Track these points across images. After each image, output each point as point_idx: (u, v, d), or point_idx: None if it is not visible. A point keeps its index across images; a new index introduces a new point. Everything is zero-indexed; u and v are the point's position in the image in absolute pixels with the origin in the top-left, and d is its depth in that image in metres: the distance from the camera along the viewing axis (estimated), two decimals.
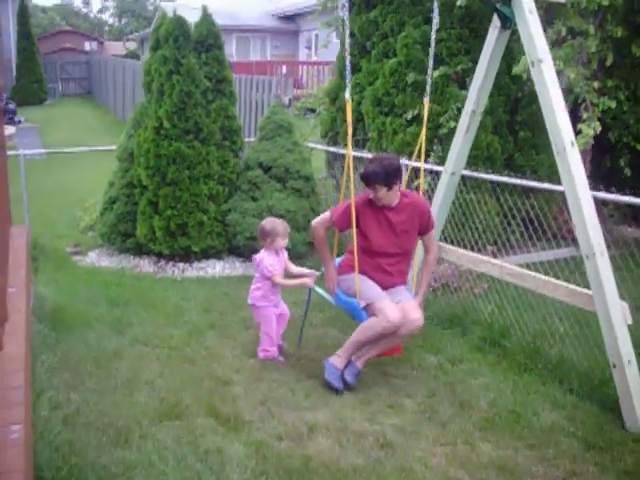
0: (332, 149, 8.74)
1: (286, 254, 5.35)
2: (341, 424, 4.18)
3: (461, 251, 5.70)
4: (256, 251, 7.70)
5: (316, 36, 30.75)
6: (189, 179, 7.65)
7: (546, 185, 5.59)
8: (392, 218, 4.80)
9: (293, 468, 3.68)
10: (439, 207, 5.67)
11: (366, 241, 4.81)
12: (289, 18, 35.28)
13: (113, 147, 8.46)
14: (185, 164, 7.63)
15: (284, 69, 24.80)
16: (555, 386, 4.78)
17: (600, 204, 8.07)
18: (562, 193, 4.58)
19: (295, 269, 5.35)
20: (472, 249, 6.63)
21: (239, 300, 6.57)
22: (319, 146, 8.99)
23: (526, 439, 4.08)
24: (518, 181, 5.75)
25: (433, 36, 5.25)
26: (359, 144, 8.77)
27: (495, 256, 7.78)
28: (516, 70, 6.86)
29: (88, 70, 35.66)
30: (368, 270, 4.81)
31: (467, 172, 5.89)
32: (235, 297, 6.69)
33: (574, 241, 7.32)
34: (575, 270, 6.02)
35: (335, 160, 8.97)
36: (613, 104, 7.10)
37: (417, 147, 5.30)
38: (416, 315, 4.64)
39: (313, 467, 3.71)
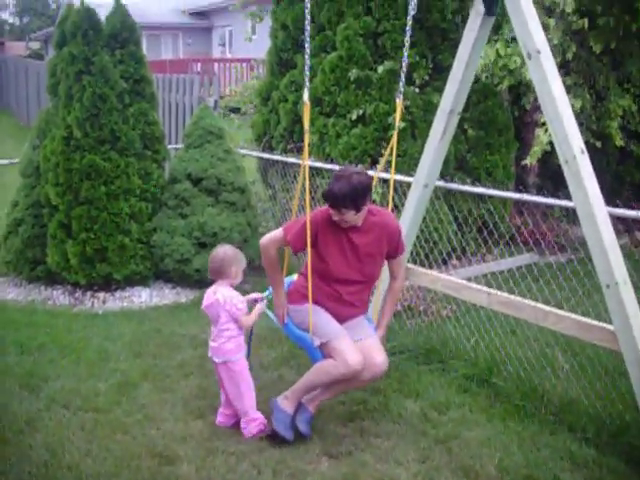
0: (270, 156, 7.85)
1: None
2: None
3: (434, 274, 4.92)
4: (188, 277, 6.88)
5: (230, 32, 29.74)
6: (106, 196, 6.60)
7: (536, 198, 4.84)
8: (355, 240, 4.04)
9: None
10: (409, 225, 4.86)
11: (323, 264, 4.06)
12: (202, 14, 34.12)
13: (15, 160, 7.33)
14: (101, 179, 6.58)
15: (199, 67, 23.72)
16: (566, 436, 4.05)
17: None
18: None
19: None
20: (424, 263, 5.91)
21: (174, 338, 5.65)
22: (254, 153, 8.08)
23: None
24: (507, 194, 5.04)
25: (409, 22, 4.47)
26: (297, 150, 7.91)
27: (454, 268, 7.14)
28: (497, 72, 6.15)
29: None
30: (323, 299, 4.10)
31: (441, 183, 5.10)
32: (169, 334, 5.73)
33: (536, 245, 6.87)
34: (539, 278, 5.45)
35: (271, 166, 8.08)
36: (579, 103, 6.48)
37: (385, 155, 4.53)
38: (380, 358, 3.99)
39: None
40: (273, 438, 3.98)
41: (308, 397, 4.11)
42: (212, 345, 4.18)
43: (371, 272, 4.16)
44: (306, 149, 4.04)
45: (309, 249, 3.98)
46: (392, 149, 4.48)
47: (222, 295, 4.07)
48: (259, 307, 4.23)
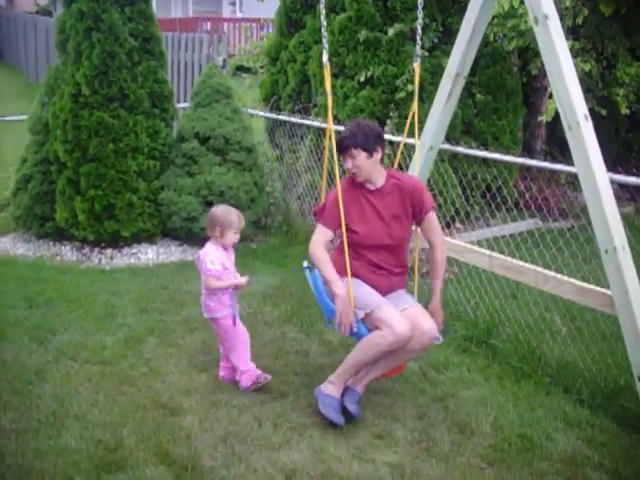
0: (278, 116, 7.84)
1: (233, 252, 4.33)
2: (324, 466, 3.41)
3: None
4: (195, 235, 6.95)
5: None
6: (114, 154, 6.64)
7: (539, 163, 4.86)
8: (379, 204, 3.91)
9: None
10: None
11: (352, 234, 3.88)
12: None
13: (24, 117, 7.36)
14: (109, 136, 6.61)
15: (209, 26, 23.49)
16: (561, 397, 4.14)
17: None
18: None
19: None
20: None
21: (180, 295, 5.73)
22: (262, 113, 8.08)
23: (547, 475, 3.40)
24: (510, 158, 5.02)
25: None
26: (305, 111, 7.92)
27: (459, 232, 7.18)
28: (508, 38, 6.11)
29: None
30: (360, 270, 3.90)
31: (446, 146, 5.12)
32: (175, 291, 5.82)
33: (539, 211, 6.89)
34: (540, 243, 5.49)
35: (277, 127, 8.09)
36: (587, 67, 6.45)
37: (408, 120, 4.35)
38: (427, 324, 3.75)
39: None
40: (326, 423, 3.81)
41: (353, 379, 3.95)
42: (201, 301, 4.31)
43: (400, 234, 3.95)
44: (330, 113, 3.84)
45: (342, 221, 3.78)
46: (414, 113, 4.27)
47: (202, 253, 4.16)
48: (240, 280, 4.20)
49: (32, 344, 4.73)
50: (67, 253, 6.87)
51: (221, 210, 4.24)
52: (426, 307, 3.95)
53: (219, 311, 4.20)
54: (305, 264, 4.17)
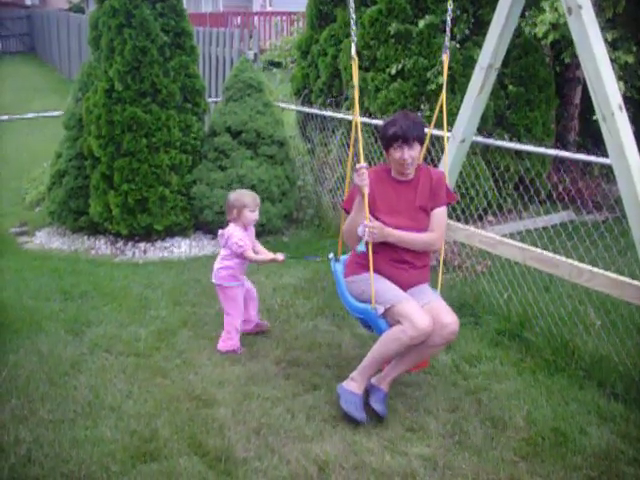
0: (309, 110, 7.84)
1: (254, 231, 4.79)
2: (357, 458, 3.42)
3: (471, 229, 4.95)
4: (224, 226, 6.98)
5: None
6: (147, 148, 6.72)
7: (572, 155, 4.80)
8: (406, 194, 3.94)
9: None
10: None
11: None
12: None
13: (57, 113, 7.45)
14: (142, 131, 6.69)
15: (239, 20, 23.54)
16: (595, 391, 4.09)
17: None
18: None
19: (261, 248, 4.77)
20: (460, 218, 5.93)
21: (212, 288, 5.66)
22: (292, 106, 8.08)
23: (581, 469, 3.36)
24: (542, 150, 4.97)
25: None
26: (336, 104, 7.92)
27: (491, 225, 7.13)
28: (540, 31, 6.02)
29: (30, 25, 33.49)
30: (382, 264, 3.88)
31: (479, 139, 5.09)
32: (207, 284, 5.80)
33: (572, 204, 6.81)
34: (574, 236, 5.42)
35: (309, 120, 8.10)
36: (631, 58, 6.34)
37: (436, 112, 4.33)
38: (449, 318, 3.72)
39: None
40: (348, 420, 3.77)
41: (378, 377, 3.92)
42: (213, 267, 4.77)
43: (426, 226, 3.97)
44: (356, 105, 3.91)
45: (366, 209, 3.75)
46: (442, 104, 4.28)
47: (227, 231, 4.65)
48: (276, 255, 4.60)
49: (68, 336, 4.81)
50: (101, 247, 6.97)
51: (235, 194, 4.70)
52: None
53: (229, 280, 4.69)
54: (331, 255, 4.29)
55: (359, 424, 3.72)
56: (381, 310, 3.74)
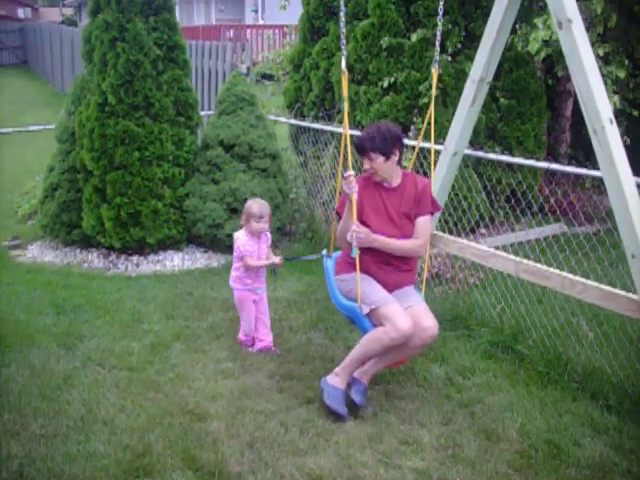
0: (301, 123, 7.85)
1: (269, 237, 4.94)
2: (351, 472, 3.41)
3: (464, 242, 4.95)
4: (220, 241, 6.99)
5: None
6: (140, 161, 6.72)
7: (564, 167, 4.83)
8: (392, 201, 4.09)
9: None
10: (437, 193, 4.84)
11: (365, 228, 4.00)
12: None
13: (51, 126, 7.45)
14: (135, 145, 6.69)
15: (231, 33, 23.62)
16: (588, 403, 4.10)
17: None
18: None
19: (270, 256, 4.93)
20: (452, 231, 5.94)
21: (205, 301, 5.76)
22: (284, 119, 8.10)
23: None
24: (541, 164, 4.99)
25: None
26: (328, 117, 7.95)
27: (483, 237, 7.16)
28: (532, 48, 6.08)
29: (23, 38, 33.54)
30: (370, 265, 4.08)
31: (470, 151, 5.12)
32: (200, 298, 5.85)
33: (564, 216, 6.84)
34: (565, 248, 5.46)
35: (301, 133, 8.12)
36: (622, 73, 6.40)
37: (424, 124, 4.46)
38: (428, 322, 3.93)
39: None
40: (326, 415, 3.94)
41: (360, 371, 4.09)
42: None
43: (410, 232, 4.11)
44: (346, 117, 3.95)
45: (354, 215, 3.88)
46: (430, 117, 4.39)
47: (235, 235, 4.84)
48: (274, 259, 4.78)
49: (60, 350, 4.78)
50: (94, 260, 6.95)
51: (249, 202, 4.84)
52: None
53: (236, 283, 4.87)
54: (324, 252, 4.50)
55: (340, 418, 3.89)
56: (366, 310, 3.95)
